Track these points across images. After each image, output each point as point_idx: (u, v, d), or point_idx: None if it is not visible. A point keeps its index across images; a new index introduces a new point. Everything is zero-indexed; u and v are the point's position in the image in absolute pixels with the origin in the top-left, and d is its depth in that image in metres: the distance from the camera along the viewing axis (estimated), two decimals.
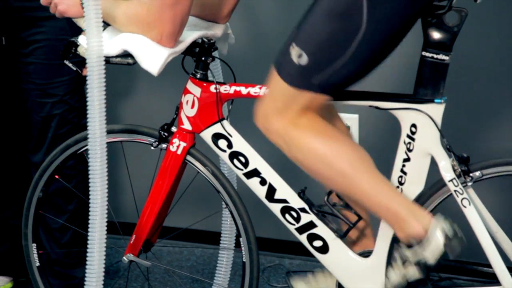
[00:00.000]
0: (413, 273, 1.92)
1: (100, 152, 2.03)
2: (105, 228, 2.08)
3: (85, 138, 2.22)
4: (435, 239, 1.89)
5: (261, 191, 2.08)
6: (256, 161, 2.08)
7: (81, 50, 2.06)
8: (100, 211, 2.06)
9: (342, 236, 2.05)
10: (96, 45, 1.97)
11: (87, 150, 2.24)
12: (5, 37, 2.55)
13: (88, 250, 2.09)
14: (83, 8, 2.02)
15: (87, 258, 2.10)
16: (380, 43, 1.86)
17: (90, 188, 2.04)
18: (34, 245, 2.32)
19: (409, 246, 1.92)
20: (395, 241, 2.00)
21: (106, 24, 2.08)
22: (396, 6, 1.82)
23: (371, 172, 1.93)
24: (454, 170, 1.95)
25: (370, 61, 1.89)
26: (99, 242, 2.07)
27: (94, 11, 1.95)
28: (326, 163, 1.91)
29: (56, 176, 2.27)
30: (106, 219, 2.08)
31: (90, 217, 2.06)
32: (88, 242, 2.08)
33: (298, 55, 1.87)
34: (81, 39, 2.06)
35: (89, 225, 2.07)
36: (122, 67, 2.07)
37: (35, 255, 2.33)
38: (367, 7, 1.81)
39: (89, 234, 2.07)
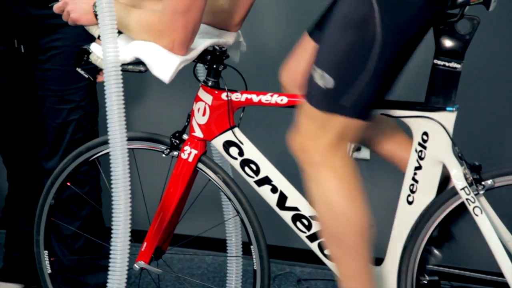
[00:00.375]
0: None
1: (121, 158, 2.02)
2: (129, 235, 2.07)
3: (97, 145, 2.23)
4: None
5: (272, 199, 2.08)
6: (267, 168, 2.08)
7: (93, 58, 2.06)
8: (124, 218, 2.05)
9: None
10: (112, 52, 1.97)
11: (99, 157, 2.24)
12: (23, 45, 2.56)
13: (110, 255, 2.08)
14: (95, 16, 2.02)
15: (110, 264, 2.09)
16: (397, 53, 1.85)
17: (113, 194, 2.04)
18: (46, 252, 2.33)
19: None
20: (406, 249, 1.99)
21: (118, 32, 2.09)
22: (408, 14, 1.82)
23: (366, 257, 1.91)
24: (466, 179, 1.94)
25: (391, 72, 1.88)
26: (122, 248, 2.06)
27: (109, 17, 1.96)
28: (334, 221, 1.90)
29: (68, 184, 2.27)
30: (130, 227, 2.08)
31: (113, 225, 2.06)
32: (111, 248, 2.07)
33: (321, 77, 1.85)
34: (93, 47, 2.07)
35: (112, 232, 2.06)
36: (133, 74, 2.08)
37: (47, 262, 2.33)
38: (379, 18, 1.80)
39: (112, 240, 2.07)
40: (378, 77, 1.85)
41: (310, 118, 1.89)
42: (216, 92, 2.10)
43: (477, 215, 1.94)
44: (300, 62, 2.08)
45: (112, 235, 2.06)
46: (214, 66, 2.10)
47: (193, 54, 2.04)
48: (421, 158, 1.97)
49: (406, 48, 1.86)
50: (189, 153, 2.14)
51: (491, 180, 1.94)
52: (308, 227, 2.06)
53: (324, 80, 1.85)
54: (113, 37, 1.97)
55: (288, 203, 2.07)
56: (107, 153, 2.12)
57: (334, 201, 1.89)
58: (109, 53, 1.96)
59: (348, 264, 1.92)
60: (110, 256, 2.07)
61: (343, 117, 1.87)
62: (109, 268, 2.08)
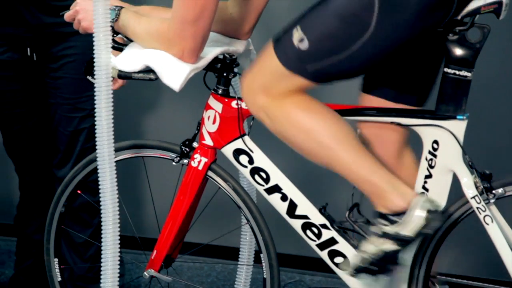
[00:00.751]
0: (391, 245, 1.91)
1: (109, 170, 2.03)
2: (118, 246, 2.08)
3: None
4: (416, 213, 1.89)
5: (282, 207, 2.08)
6: (277, 177, 2.08)
7: None
8: (112, 229, 2.06)
9: None
10: (104, 63, 1.99)
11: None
12: (36, 53, 2.58)
13: (101, 269, 2.09)
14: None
15: (101, 277, 2.10)
16: (383, 49, 1.87)
17: (101, 208, 2.05)
18: (56, 260, 2.33)
19: (389, 219, 1.92)
20: (416, 258, 1.99)
21: (129, 40, 2.09)
22: (406, 18, 1.83)
23: (353, 145, 1.93)
24: (477, 187, 1.94)
25: (368, 63, 1.90)
26: (112, 260, 2.07)
27: (104, 29, 1.97)
28: (307, 134, 1.92)
29: (78, 191, 2.28)
30: (119, 234, 2.08)
31: (102, 234, 2.07)
32: (102, 261, 2.08)
33: (299, 39, 1.88)
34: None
35: (102, 243, 2.07)
36: (144, 83, 2.08)
37: (57, 270, 2.33)
38: (378, 12, 1.82)
39: (102, 252, 2.08)
40: (353, 61, 1.87)
41: (271, 71, 1.92)
42: (226, 100, 2.10)
43: (487, 224, 1.93)
44: (368, 126, 2.09)
45: (102, 249, 2.07)
46: (224, 74, 2.11)
47: (203, 62, 2.04)
48: (431, 166, 1.97)
49: (392, 47, 1.88)
50: (199, 161, 2.14)
51: (501, 189, 1.94)
52: (318, 236, 2.05)
53: (302, 43, 1.87)
54: (106, 49, 1.98)
55: (298, 212, 2.07)
56: (119, 160, 2.12)
57: (303, 122, 1.92)
58: (101, 62, 1.98)
59: (344, 159, 1.92)
60: (101, 270, 2.08)
61: (301, 78, 1.90)
62: (101, 281, 2.09)
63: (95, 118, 2.02)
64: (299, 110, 1.93)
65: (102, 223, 2.07)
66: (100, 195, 2.05)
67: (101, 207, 2.06)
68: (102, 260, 2.09)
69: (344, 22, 1.84)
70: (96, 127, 2.02)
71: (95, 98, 2.01)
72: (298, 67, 1.90)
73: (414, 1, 1.82)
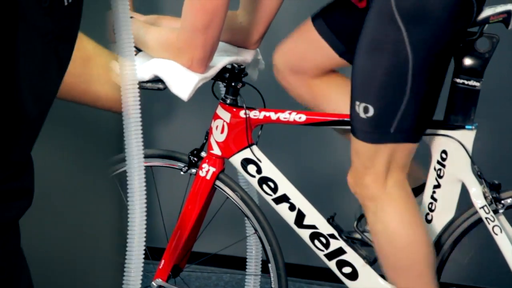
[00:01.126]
0: None
1: (138, 175, 2.02)
2: (143, 250, 2.07)
3: (117, 162, 2.23)
4: None
5: (290, 217, 2.07)
6: (285, 186, 2.08)
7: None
8: (139, 232, 2.05)
9: (372, 262, 2.04)
10: (129, 69, 1.98)
11: (119, 173, 2.24)
12: None
13: (124, 275, 2.08)
14: (114, 33, 2.03)
15: (124, 279, 2.08)
16: (431, 70, 1.84)
17: (129, 212, 2.04)
18: None
19: None
20: None
21: (137, 50, 2.10)
22: (433, 29, 1.81)
23: (432, 281, 1.90)
24: (485, 197, 1.93)
25: (430, 91, 1.86)
26: (136, 267, 2.06)
27: (126, 34, 1.96)
28: (398, 253, 1.89)
29: None
30: (145, 243, 2.08)
31: (128, 240, 2.05)
32: (125, 267, 2.07)
33: (364, 110, 1.85)
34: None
35: (127, 249, 2.06)
36: (152, 92, 2.08)
37: None
38: (407, 37, 1.79)
39: (126, 257, 2.06)
40: (417, 97, 1.83)
41: (358, 153, 1.89)
42: (234, 109, 2.10)
43: (496, 234, 1.93)
44: (297, 44, 2.10)
45: (126, 252, 2.05)
46: (233, 84, 2.11)
47: (212, 71, 2.04)
48: (440, 176, 1.96)
49: (438, 64, 1.85)
50: (207, 170, 2.14)
51: (510, 199, 1.93)
52: (326, 246, 2.05)
53: (368, 112, 1.84)
54: (130, 54, 1.97)
55: (306, 221, 2.06)
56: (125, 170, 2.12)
57: (396, 234, 1.88)
58: (126, 70, 1.97)
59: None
60: (124, 272, 2.07)
61: (389, 144, 1.86)
62: (123, 283, 2.08)
63: (123, 124, 2.00)
64: (400, 214, 1.87)
65: (128, 232, 2.05)
66: (128, 199, 2.03)
67: (129, 214, 2.04)
68: (125, 267, 2.07)
69: (385, 64, 1.81)
70: (124, 136, 2.01)
71: (122, 103, 1.99)
72: (380, 135, 1.85)
73: (440, 7, 1.79)
